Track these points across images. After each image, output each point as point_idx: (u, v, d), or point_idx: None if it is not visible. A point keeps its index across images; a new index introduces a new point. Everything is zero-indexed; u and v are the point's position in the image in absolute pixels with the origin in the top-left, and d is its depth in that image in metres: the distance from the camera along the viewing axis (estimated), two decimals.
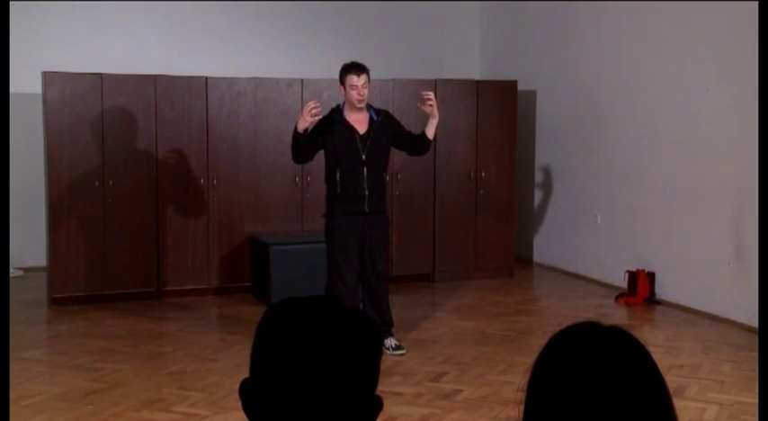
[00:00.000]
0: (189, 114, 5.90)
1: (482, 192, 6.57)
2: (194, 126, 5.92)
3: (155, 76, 5.85)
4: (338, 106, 4.52)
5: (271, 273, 5.61)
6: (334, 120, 4.44)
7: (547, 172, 7.12)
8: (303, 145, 4.31)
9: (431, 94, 4.48)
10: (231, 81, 6.01)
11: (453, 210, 6.55)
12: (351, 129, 4.43)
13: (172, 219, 5.88)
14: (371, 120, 4.47)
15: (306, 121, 4.24)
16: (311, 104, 4.25)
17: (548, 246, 7.15)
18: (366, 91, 4.38)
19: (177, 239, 5.90)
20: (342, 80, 4.41)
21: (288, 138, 6.04)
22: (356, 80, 4.35)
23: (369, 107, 4.52)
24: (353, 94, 4.36)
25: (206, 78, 5.95)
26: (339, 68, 6.82)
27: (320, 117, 4.26)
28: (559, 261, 6.98)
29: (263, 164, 6.10)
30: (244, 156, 6.05)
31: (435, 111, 4.49)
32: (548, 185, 7.13)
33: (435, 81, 6.45)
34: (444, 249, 6.54)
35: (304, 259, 5.65)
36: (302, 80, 6.18)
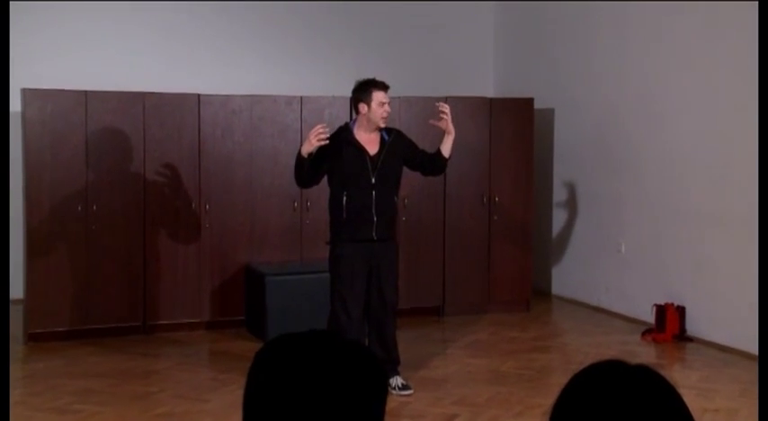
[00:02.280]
0: (180, 134, 5.93)
1: (496, 218, 6.58)
2: (185, 146, 5.95)
3: (143, 93, 5.88)
4: (347, 124, 4.56)
5: (267, 306, 5.60)
6: (341, 139, 4.44)
7: (566, 196, 7.11)
8: (307, 170, 4.35)
9: (446, 107, 4.50)
10: (225, 98, 6.04)
11: (465, 237, 6.55)
12: (360, 150, 4.44)
13: (160, 247, 5.89)
14: (382, 140, 4.48)
15: (311, 145, 4.27)
16: (318, 129, 4.27)
17: (567, 278, 7.13)
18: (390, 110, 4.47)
19: (166, 269, 5.90)
20: (364, 97, 4.41)
21: (287, 160, 5.93)
22: (384, 97, 4.42)
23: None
24: (381, 111, 4.39)
25: (198, 95, 5.98)
26: (341, 84, 6.73)
27: (326, 142, 4.29)
28: (580, 293, 6.95)
29: (260, 187, 6.12)
30: (239, 179, 6.07)
31: (451, 126, 4.54)
32: (567, 211, 7.11)
33: (446, 98, 6.21)
34: (455, 280, 6.53)
35: (303, 291, 5.66)
36: (301, 97, 6.20)
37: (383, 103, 4.37)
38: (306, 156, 4.30)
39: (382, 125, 4.42)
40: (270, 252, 6.13)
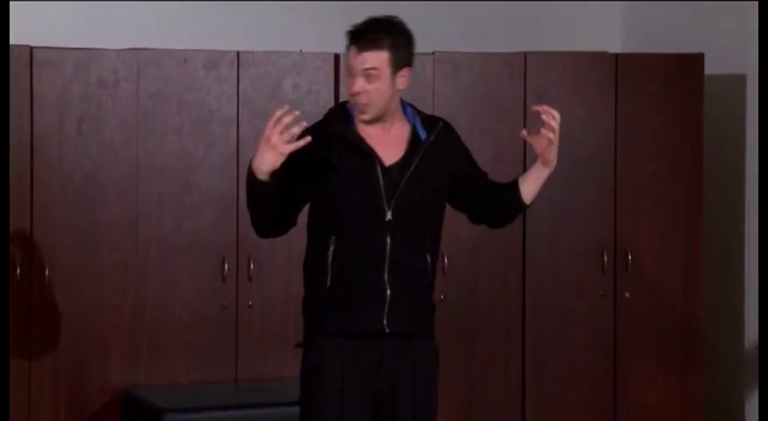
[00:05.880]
0: None
1: (629, 295, 6.59)
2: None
3: None
4: (343, 106, 4.59)
5: None
6: (333, 134, 4.42)
7: None
8: (270, 202, 4.30)
9: (552, 113, 4.42)
10: (88, 55, 6.06)
11: (565, 335, 6.56)
12: (366, 154, 4.40)
13: None
14: (414, 138, 4.50)
15: (277, 154, 4.12)
16: (283, 117, 4.10)
17: None
18: (379, 86, 4.38)
19: None
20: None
21: (209, 179, 6.28)
22: (356, 60, 4.36)
23: (407, 108, 4.58)
24: (347, 86, 4.43)
25: (31, 49, 6.00)
26: (316, 31, 6.55)
27: (307, 139, 4.18)
28: None
29: (156, 233, 6.16)
30: (111, 219, 6.09)
31: (553, 150, 4.45)
32: None
33: (524, 55, 6.48)
34: (546, 420, 6.53)
35: None
36: (238, 54, 6.24)
37: (352, 73, 4.38)
38: (266, 177, 4.18)
39: (361, 117, 4.40)
40: (173, 365, 6.16)
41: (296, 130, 4.14)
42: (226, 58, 6.12)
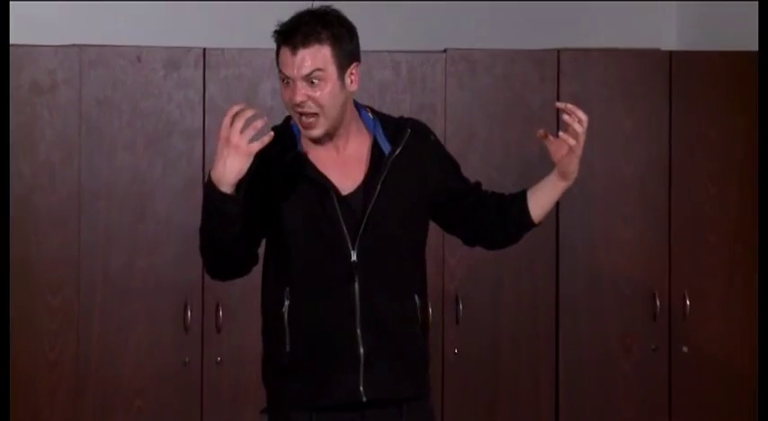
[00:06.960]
0: None
1: (686, 350, 6.48)
2: None
3: None
4: (286, 123, 4.59)
5: None
6: (276, 162, 4.42)
7: None
8: (235, 225, 4.28)
9: (579, 114, 4.35)
10: (19, 53, 6.10)
11: (608, 399, 6.47)
12: (319, 184, 4.37)
13: None
14: (377, 154, 4.49)
15: (240, 158, 4.13)
16: (244, 112, 4.14)
17: None
18: (327, 90, 4.36)
19: None
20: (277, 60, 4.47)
21: (168, 208, 6.46)
22: (291, 63, 4.32)
23: (365, 113, 4.53)
24: (285, 98, 4.39)
25: None
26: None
27: (269, 137, 4.21)
28: None
29: (102, 273, 6.14)
30: (48, 255, 6.12)
31: (575, 161, 4.34)
32: None
33: (557, 53, 6.48)
34: None
35: None
36: (204, 51, 6.26)
37: (286, 80, 4.33)
38: (231, 189, 4.12)
39: (310, 133, 4.37)
40: None
41: (260, 124, 4.05)
42: (189, 56, 6.15)
